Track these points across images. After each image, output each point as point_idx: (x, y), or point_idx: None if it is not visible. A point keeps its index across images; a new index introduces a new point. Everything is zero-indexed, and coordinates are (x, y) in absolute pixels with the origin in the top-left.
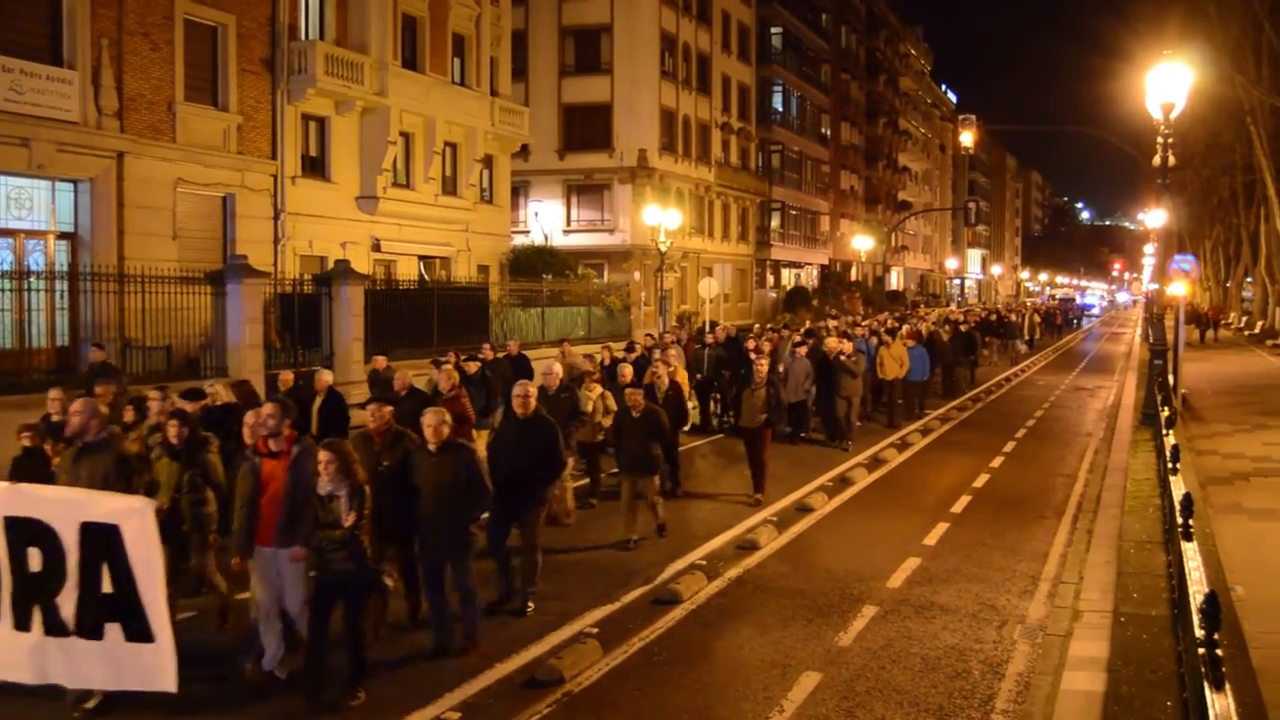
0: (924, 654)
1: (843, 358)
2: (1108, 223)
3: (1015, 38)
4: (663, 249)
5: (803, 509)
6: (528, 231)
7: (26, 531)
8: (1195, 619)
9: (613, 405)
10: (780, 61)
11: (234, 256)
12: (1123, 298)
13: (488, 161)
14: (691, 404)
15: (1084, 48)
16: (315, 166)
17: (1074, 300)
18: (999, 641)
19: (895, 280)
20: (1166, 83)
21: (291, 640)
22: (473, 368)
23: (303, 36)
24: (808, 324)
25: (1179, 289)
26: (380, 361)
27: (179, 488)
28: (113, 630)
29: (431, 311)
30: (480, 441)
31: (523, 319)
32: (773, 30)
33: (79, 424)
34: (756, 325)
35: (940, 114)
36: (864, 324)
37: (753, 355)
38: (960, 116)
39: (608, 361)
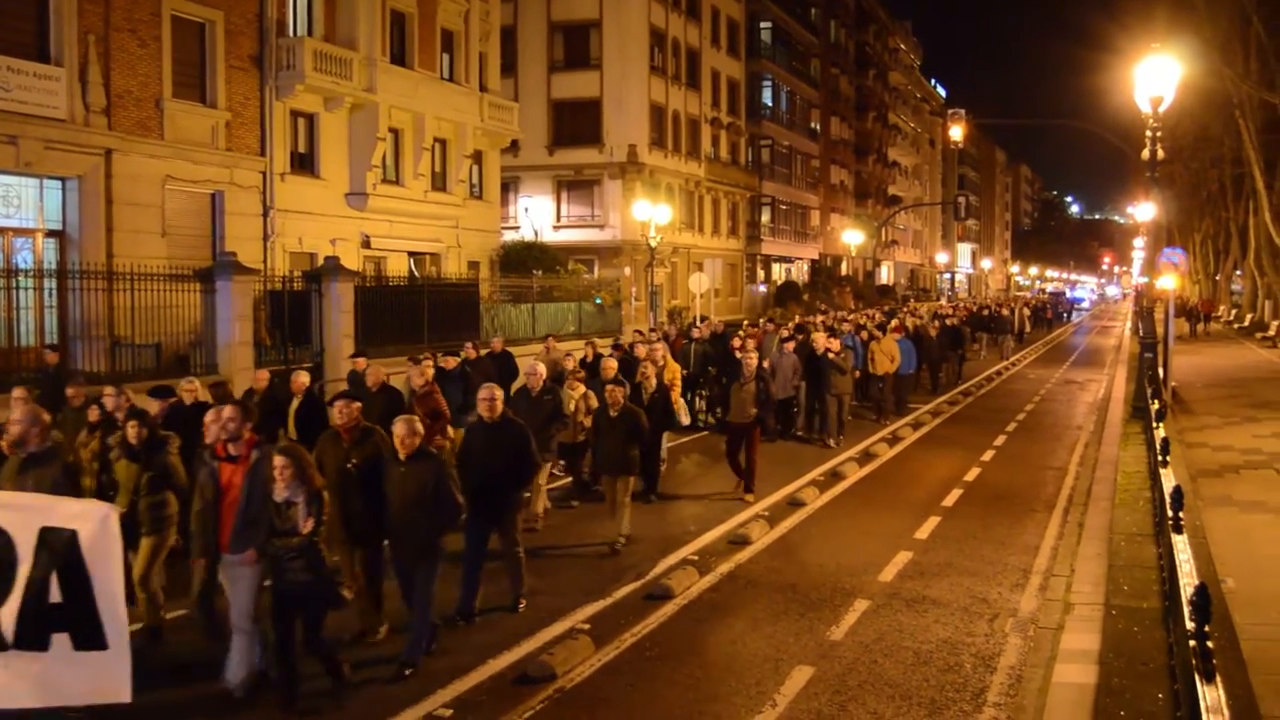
0: (916, 647)
1: (831, 354)
2: (1097, 216)
3: (1004, 32)
4: (653, 244)
5: (794, 503)
6: (518, 227)
7: None
8: (1186, 611)
9: (594, 404)
10: (769, 56)
11: (223, 254)
12: (1113, 291)
13: (477, 157)
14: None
15: (1073, 41)
16: (304, 163)
17: (1064, 294)
18: (991, 635)
19: (886, 275)
20: (1155, 76)
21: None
22: (451, 363)
23: (291, 33)
24: (796, 319)
25: (1168, 282)
26: (360, 363)
27: (137, 489)
28: (60, 641)
29: (422, 308)
30: (459, 439)
31: (513, 315)
32: (762, 25)
33: (18, 434)
34: (746, 320)
35: (930, 108)
36: (850, 319)
37: (739, 354)
38: (950, 111)
39: (590, 358)
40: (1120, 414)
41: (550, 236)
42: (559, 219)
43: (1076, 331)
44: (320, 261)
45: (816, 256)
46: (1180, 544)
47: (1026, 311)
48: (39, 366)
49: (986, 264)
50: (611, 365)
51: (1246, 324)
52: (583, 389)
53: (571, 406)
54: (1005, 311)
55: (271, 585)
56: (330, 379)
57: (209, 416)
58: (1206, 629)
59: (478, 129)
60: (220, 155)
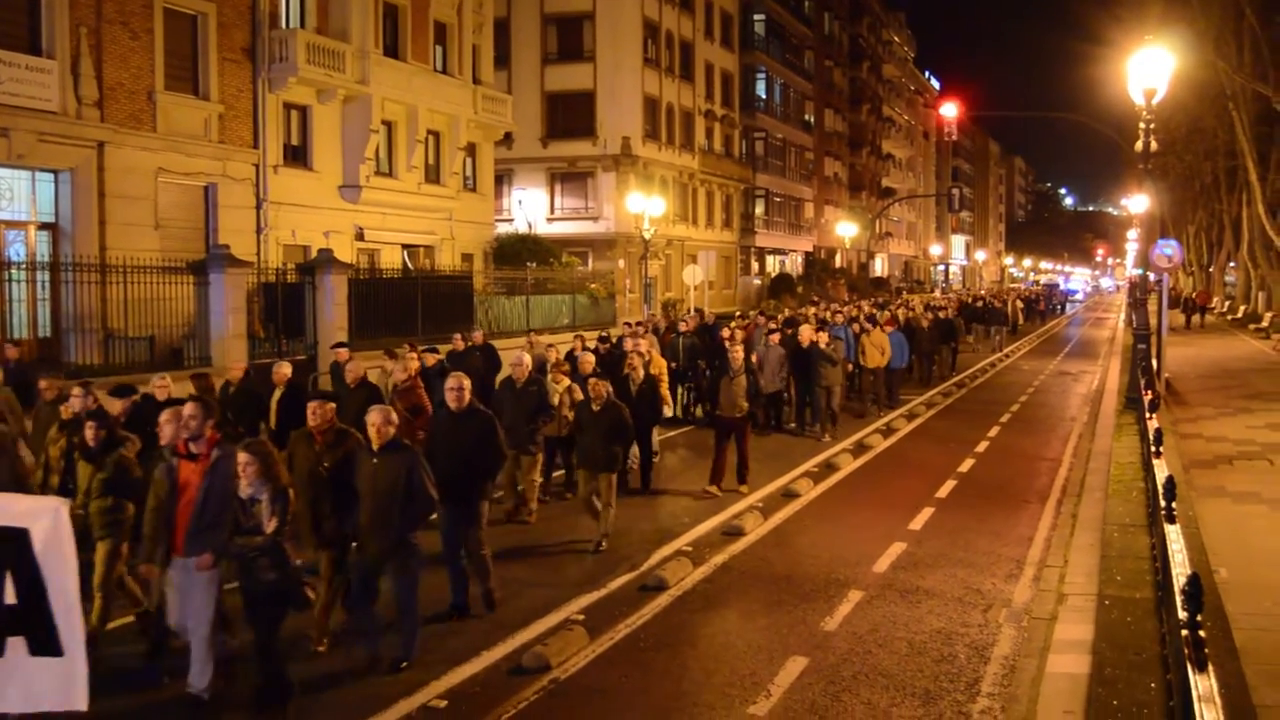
0: (910, 638)
1: (822, 345)
2: (1091, 208)
3: (998, 24)
4: (647, 236)
5: (788, 495)
6: (511, 220)
7: None
8: (1179, 601)
9: (579, 396)
10: (763, 48)
11: (216, 246)
12: (1107, 283)
13: (471, 150)
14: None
15: (1066, 34)
16: (297, 155)
17: (1058, 286)
18: (984, 625)
19: (880, 267)
20: (1148, 68)
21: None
22: (431, 359)
23: (284, 25)
24: (786, 312)
25: (1162, 274)
26: (343, 354)
27: (88, 491)
28: (15, 645)
29: (416, 300)
30: None
31: (507, 307)
32: (755, 17)
33: None
34: (738, 312)
35: (924, 101)
36: (842, 311)
37: (728, 345)
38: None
39: (579, 351)
40: (1114, 405)
41: (544, 229)
42: (553, 211)
43: (1070, 323)
44: (314, 254)
45: (811, 249)
46: (1173, 534)
47: (1020, 303)
48: (33, 359)
49: (981, 256)
50: (588, 360)
51: (1240, 316)
52: (567, 381)
53: (556, 399)
54: (998, 303)
55: (240, 586)
56: (323, 371)
57: (164, 416)
58: (1199, 618)
59: (471, 121)
60: (213, 148)
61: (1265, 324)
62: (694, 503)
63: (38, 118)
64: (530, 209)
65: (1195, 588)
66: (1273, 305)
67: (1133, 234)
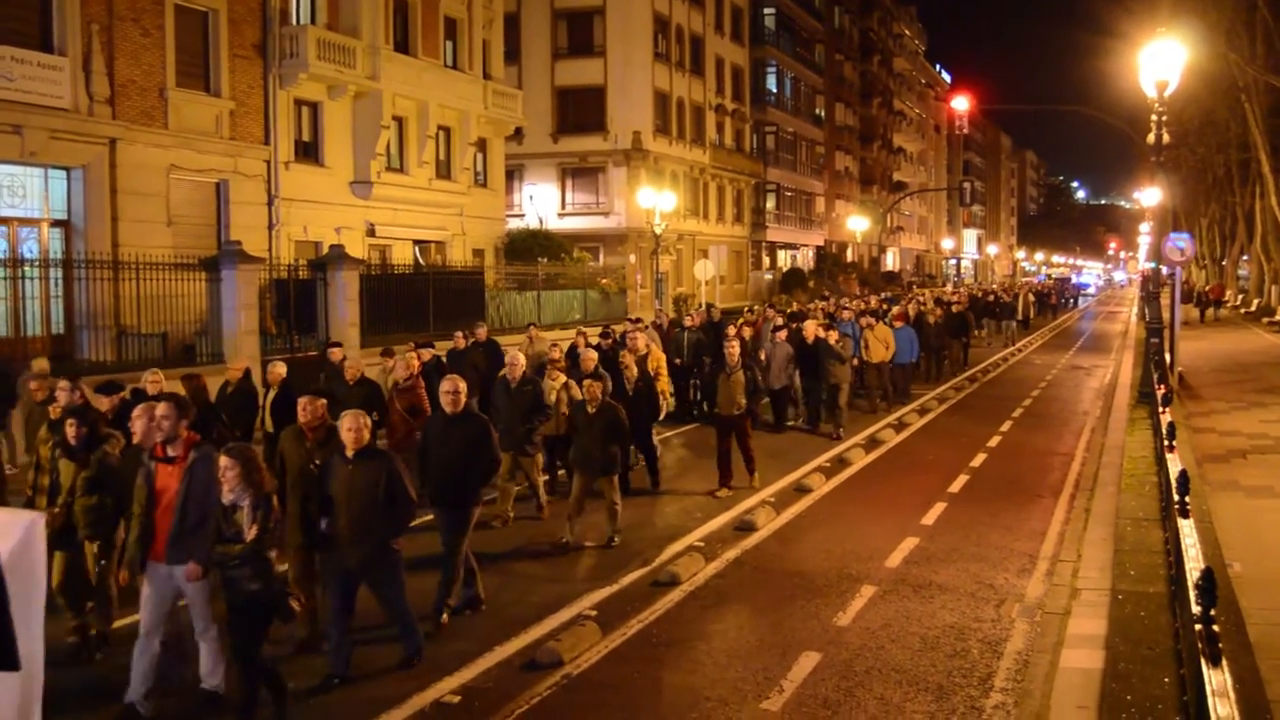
0: (923, 633)
1: (831, 342)
2: (1103, 202)
3: (1009, 17)
4: (658, 231)
5: (800, 489)
6: (522, 215)
7: None
8: (1192, 595)
9: (577, 395)
10: (774, 42)
11: (228, 242)
12: (1119, 276)
13: (481, 145)
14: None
15: (1078, 26)
16: (308, 151)
17: (1069, 280)
18: (997, 620)
19: (891, 261)
20: (1160, 60)
21: (171, 672)
22: (426, 355)
23: (294, 21)
24: (794, 307)
25: (1175, 268)
26: (336, 353)
27: (71, 489)
28: None
29: (427, 296)
30: None
31: (518, 303)
32: (766, 11)
33: None
34: (751, 306)
35: (935, 94)
36: (850, 306)
37: (726, 341)
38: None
39: (581, 347)
40: (1126, 399)
41: (555, 224)
42: (564, 206)
43: (1082, 317)
44: (325, 250)
45: (822, 243)
46: (1186, 529)
47: (1032, 297)
48: (47, 355)
49: (992, 250)
50: (591, 358)
51: (1253, 309)
52: (563, 379)
53: (553, 398)
54: (1009, 297)
55: (224, 596)
56: (348, 362)
57: (136, 411)
58: (1213, 613)
59: (482, 116)
60: (224, 144)
61: (1279, 317)
62: (705, 499)
63: (50, 115)
64: (541, 204)
65: (1209, 582)
66: None
67: (1145, 227)
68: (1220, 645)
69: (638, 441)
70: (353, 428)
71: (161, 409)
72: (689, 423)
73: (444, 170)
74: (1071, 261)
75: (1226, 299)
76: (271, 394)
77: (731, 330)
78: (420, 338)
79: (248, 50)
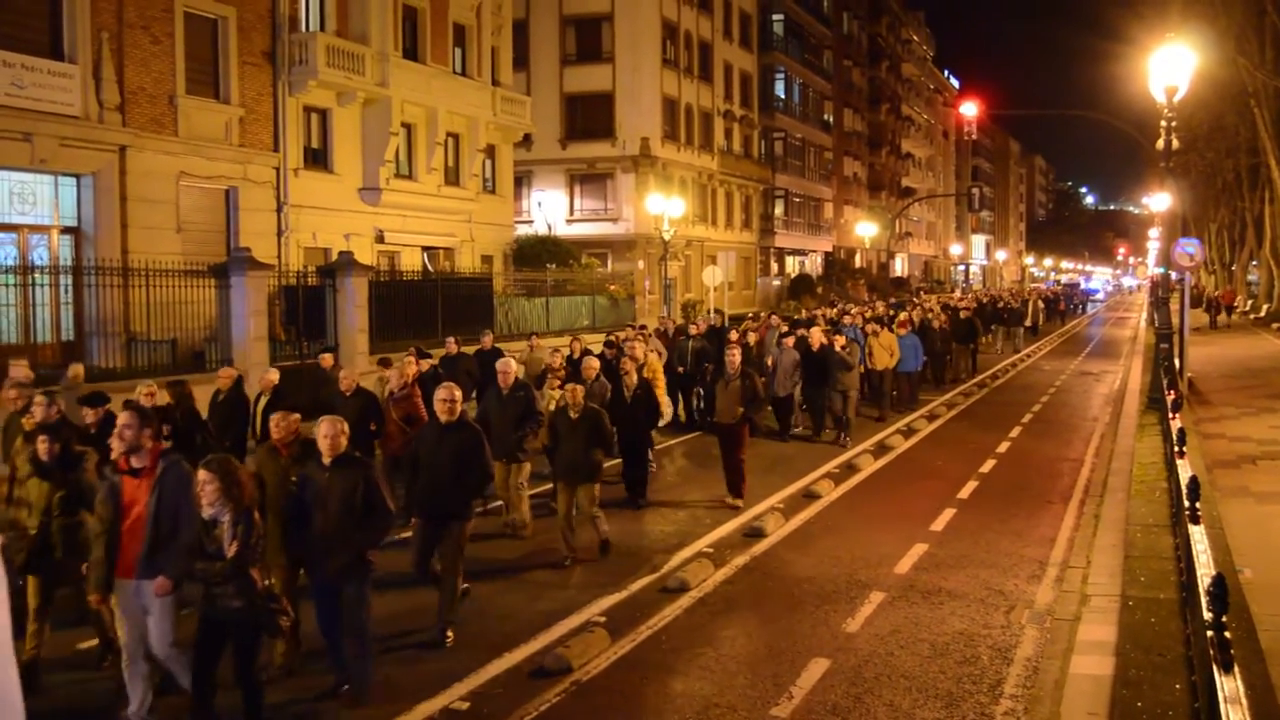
0: (932, 640)
1: (837, 349)
2: (1112, 207)
3: (1017, 22)
4: (666, 238)
5: (809, 496)
6: (531, 221)
7: None
8: (1203, 602)
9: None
10: (782, 48)
11: (238, 249)
12: (1128, 282)
13: (490, 151)
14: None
15: (1087, 31)
16: (318, 158)
17: (1078, 285)
18: (1007, 626)
19: (900, 267)
20: (1170, 66)
21: (169, 685)
22: (424, 364)
23: (303, 28)
24: (804, 313)
25: (1184, 273)
26: (327, 360)
27: (48, 510)
28: None
29: (436, 302)
30: None
31: (527, 309)
32: (774, 17)
33: None
34: (757, 312)
35: (943, 100)
36: (854, 312)
37: (728, 349)
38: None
39: (577, 354)
40: (1136, 405)
41: (563, 230)
42: (572, 213)
43: (1091, 323)
44: (334, 256)
45: (830, 249)
46: (1197, 534)
47: (1041, 303)
48: (57, 362)
49: (1001, 255)
50: (593, 365)
51: (1262, 314)
52: (556, 394)
53: (552, 405)
54: (1017, 303)
55: (200, 612)
56: (343, 373)
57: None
58: (1224, 619)
59: (490, 123)
60: (234, 151)
61: None
62: (712, 506)
63: (60, 122)
64: (549, 210)
65: (1220, 588)
66: None
67: (1154, 232)
68: (1232, 652)
69: (636, 451)
70: (328, 435)
71: (123, 418)
72: (691, 431)
73: (453, 177)
74: (1080, 267)
75: (1237, 304)
76: (264, 401)
77: (733, 336)
78: (428, 344)
79: (257, 57)
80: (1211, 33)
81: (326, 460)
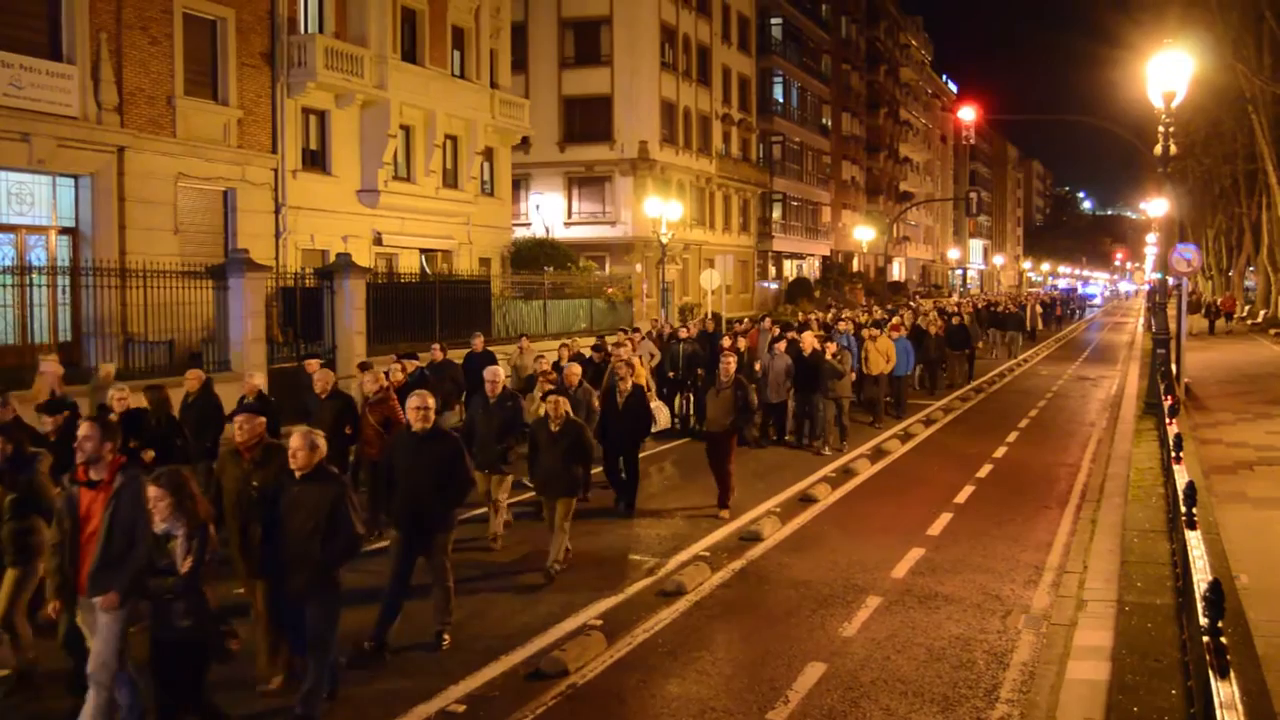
0: (929, 644)
1: (828, 356)
2: (1109, 212)
3: (1015, 27)
4: (664, 241)
5: (806, 500)
6: (529, 224)
7: None
8: (1199, 607)
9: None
10: (780, 52)
11: (235, 250)
12: (1125, 287)
13: (488, 154)
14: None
15: (1084, 36)
16: (316, 160)
17: (1075, 290)
18: (1003, 631)
19: (897, 271)
20: (1167, 71)
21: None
22: (410, 366)
23: (302, 30)
24: (800, 316)
25: (1181, 278)
26: (313, 365)
27: None
28: None
29: (434, 305)
30: None
31: (525, 312)
32: (772, 21)
33: None
34: (748, 317)
35: (941, 104)
36: (846, 317)
37: (723, 355)
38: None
39: (565, 360)
40: (1133, 411)
41: (561, 233)
42: (570, 216)
43: (1089, 328)
44: (332, 258)
45: (828, 253)
46: (1194, 540)
47: (1038, 308)
48: None
49: (998, 260)
50: (575, 371)
51: (1260, 320)
52: (543, 408)
53: (541, 411)
54: (1014, 307)
55: (150, 631)
56: (344, 375)
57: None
58: (1220, 625)
59: (489, 126)
60: (232, 152)
61: None
62: (708, 510)
63: (58, 123)
64: (548, 213)
65: (1217, 594)
66: None
67: (1151, 238)
68: (1228, 657)
69: (625, 459)
70: (297, 448)
71: (84, 429)
72: (681, 438)
73: (451, 179)
74: (1078, 272)
75: (1236, 310)
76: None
77: (727, 342)
78: (427, 347)
79: (256, 59)
80: (1209, 38)
81: (297, 474)
